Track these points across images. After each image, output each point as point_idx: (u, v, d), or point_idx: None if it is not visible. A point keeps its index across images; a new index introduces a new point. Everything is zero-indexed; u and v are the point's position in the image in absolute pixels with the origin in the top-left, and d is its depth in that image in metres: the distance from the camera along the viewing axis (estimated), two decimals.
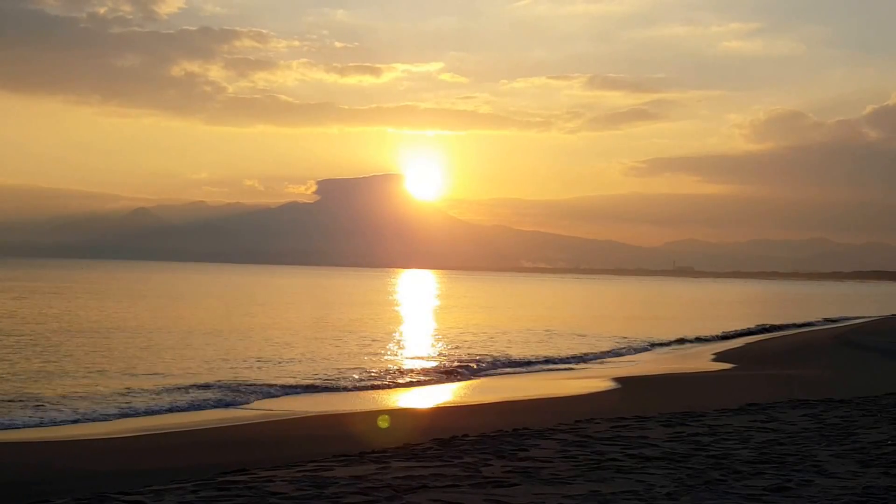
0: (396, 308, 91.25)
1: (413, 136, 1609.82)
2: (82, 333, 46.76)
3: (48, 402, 24.53)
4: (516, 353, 42.84)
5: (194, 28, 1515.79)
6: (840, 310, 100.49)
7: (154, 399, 26.16)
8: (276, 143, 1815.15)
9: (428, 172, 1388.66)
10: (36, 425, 21.68)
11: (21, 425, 21.54)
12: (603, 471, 13.18)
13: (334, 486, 11.98)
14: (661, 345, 50.11)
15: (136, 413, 23.87)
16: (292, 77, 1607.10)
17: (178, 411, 24.53)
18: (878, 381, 29.27)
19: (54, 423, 21.82)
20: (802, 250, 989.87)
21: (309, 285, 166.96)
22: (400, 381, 32.92)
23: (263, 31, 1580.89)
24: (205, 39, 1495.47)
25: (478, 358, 40.24)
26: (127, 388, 27.72)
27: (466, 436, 16.38)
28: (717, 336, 56.79)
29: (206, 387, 28.69)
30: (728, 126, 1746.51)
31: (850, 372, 34.37)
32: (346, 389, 29.83)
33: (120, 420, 22.73)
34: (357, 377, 32.76)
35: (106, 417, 23.04)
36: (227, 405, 25.85)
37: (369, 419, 22.47)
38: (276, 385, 29.65)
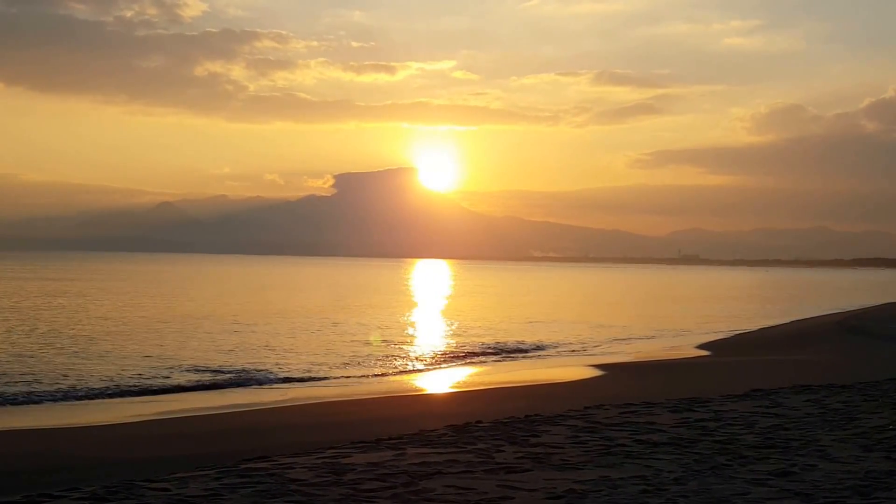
0: (414, 297, 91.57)
1: (427, 131, 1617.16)
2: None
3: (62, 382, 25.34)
4: (524, 339, 43.16)
5: (217, 30, 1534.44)
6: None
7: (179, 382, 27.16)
8: (296, 139, 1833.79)
9: (441, 166, 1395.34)
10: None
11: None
12: (612, 456, 13.48)
13: (352, 472, 12.30)
14: (669, 333, 50.27)
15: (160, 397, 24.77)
16: (311, 76, 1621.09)
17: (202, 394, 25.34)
18: (879, 366, 29.36)
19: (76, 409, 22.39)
20: (804, 239, 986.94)
21: (329, 275, 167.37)
22: (416, 366, 33.35)
23: (283, 32, 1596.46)
24: (227, 41, 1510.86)
25: (491, 344, 40.78)
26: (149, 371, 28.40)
27: (480, 422, 16.67)
28: (722, 324, 56.97)
29: (224, 372, 29.21)
30: (730, 119, 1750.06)
31: (851, 357, 34.37)
32: (362, 375, 30.16)
33: (142, 404, 23.28)
34: (374, 363, 33.21)
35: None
36: (247, 386, 26.84)
37: (386, 405, 22.85)
38: (294, 371, 30.10)
